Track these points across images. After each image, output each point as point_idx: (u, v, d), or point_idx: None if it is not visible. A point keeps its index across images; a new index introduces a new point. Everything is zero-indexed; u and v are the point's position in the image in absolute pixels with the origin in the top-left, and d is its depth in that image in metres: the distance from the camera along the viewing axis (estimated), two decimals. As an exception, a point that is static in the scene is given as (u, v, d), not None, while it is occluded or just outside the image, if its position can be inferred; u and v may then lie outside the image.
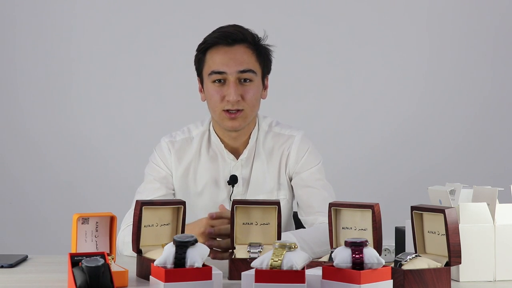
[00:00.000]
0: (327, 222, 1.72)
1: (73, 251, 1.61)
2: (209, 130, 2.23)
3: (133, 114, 3.69)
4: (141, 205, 1.67)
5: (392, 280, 1.45)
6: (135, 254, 1.70)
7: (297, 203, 2.22)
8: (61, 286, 1.58)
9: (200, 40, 2.17)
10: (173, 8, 3.70)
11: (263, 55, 2.16)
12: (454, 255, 1.55)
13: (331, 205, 1.70)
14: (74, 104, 3.69)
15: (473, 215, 1.66)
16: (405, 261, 1.55)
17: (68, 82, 3.69)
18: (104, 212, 1.69)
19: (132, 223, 1.94)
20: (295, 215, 2.32)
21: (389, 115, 3.73)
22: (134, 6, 3.70)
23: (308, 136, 2.27)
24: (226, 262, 1.75)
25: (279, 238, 1.75)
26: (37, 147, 3.68)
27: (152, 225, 1.70)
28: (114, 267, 1.59)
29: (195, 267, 1.43)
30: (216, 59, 2.11)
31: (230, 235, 1.78)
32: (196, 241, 1.47)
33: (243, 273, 1.51)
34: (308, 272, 1.48)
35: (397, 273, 1.51)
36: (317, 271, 1.49)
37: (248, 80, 2.11)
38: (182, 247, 1.44)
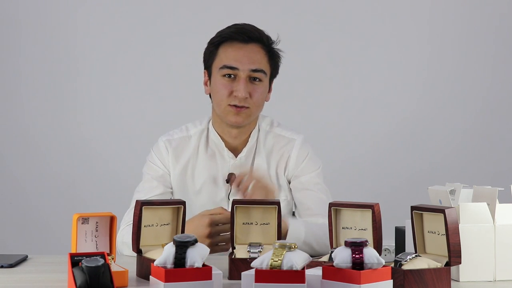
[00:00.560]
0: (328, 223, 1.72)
1: (73, 251, 1.61)
2: (207, 128, 2.23)
3: (133, 114, 3.69)
4: (141, 205, 1.67)
5: (392, 280, 1.45)
6: (135, 254, 1.70)
7: (295, 205, 2.23)
8: (61, 286, 1.57)
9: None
10: (172, 8, 3.70)
11: (274, 58, 2.18)
12: (454, 255, 1.55)
13: (331, 205, 1.70)
14: (74, 104, 3.69)
15: (473, 215, 1.66)
16: (405, 261, 1.55)
17: (68, 83, 3.69)
18: (104, 212, 1.69)
19: (131, 222, 1.95)
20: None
21: (389, 114, 3.73)
22: (134, 6, 3.70)
23: (308, 139, 2.28)
24: (226, 262, 1.75)
25: (279, 238, 1.75)
26: (37, 147, 3.68)
27: (152, 225, 1.70)
28: (114, 267, 1.59)
29: (195, 267, 1.43)
30: (230, 54, 2.11)
31: (230, 233, 1.78)
32: (196, 241, 1.47)
33: (243, 273, 1.51)
34: (308, 272, 1.48)
35: (397, 273, 1.51)
36: (317, 271, 1.49)
37: (258, 80, 2.12)
38: (182, 247, 1.44)
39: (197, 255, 1.45)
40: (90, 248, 1.66)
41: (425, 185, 1.88)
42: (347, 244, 1.42)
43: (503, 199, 1.70)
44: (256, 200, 1.83)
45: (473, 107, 3.75)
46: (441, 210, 1.55)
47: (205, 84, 2.21)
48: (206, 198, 2.19)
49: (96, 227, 1.67)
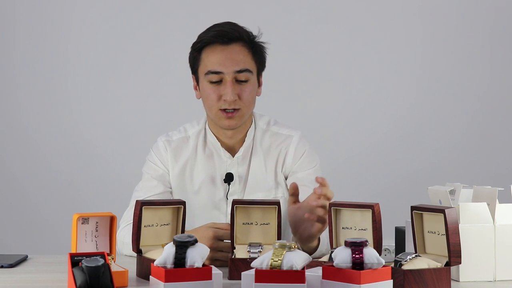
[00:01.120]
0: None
1: (73, 251, 1.61)
2: (205, 129, 2.24)
3: (132, 114, 3.69)
4: (141, 205, 1.67)
5: (392, 280, 1.45)
6: (135, 254, 1.70)
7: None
8: (61, 286, 1.57)
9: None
10: (171, 7, 3.69)
11: (258, 53, 2.16)
12: (454, 255, 1.55)
13: (331, 205, 1.71)
14: (74, 104, 3.69)
15: (473, 215, 1.66)
16: (405, 261, 1.55)
17: (67, 82, 3.69)
18: (104, 212, 1.69)
19: (131, 221, 1.95)
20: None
21: (389, 114, 3.72)
22: (133, 6, 3.70)
23: (306, 136, 2.28)
24: (226, 262, 1.75)
25: (279, 238, 1.75)
26: (37, 147, 3.68)
27: (152, 225, 1.70)
28: (114, 267, 1.59)
29: (195, 267, 1.44)
30: (213, 59, 2.10)
31: (231, 232, 1.78)
32: (196, 241, 1.47)
33: (243, 273, 1.51)
34: (308, 272, 1.48)
35: (397, 273, 1.51)
36: (317, 271, 1.49)
37: (244, 81, 2.11)
38: (182, 247, 1.45)
39: (197, 255, 1.45)
40: (90, 248, 1.66)
41: (425, 185, 1.88)
42: (347, 244, 1.42)
43: (503, 199, 1.70)
44: (256, 200, 1.83)
45: (473, 107, 3.74)
46: (441, 210, 1.55)
47: (195, 89, 2.21)
48: (205, 198, 2.19)
49: (96, 227, 1.67)
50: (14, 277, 1.70)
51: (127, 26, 3.69)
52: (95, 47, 3.69)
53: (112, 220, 1.68)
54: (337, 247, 1.54)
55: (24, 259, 1.92)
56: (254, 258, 1.51)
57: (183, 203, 1.73)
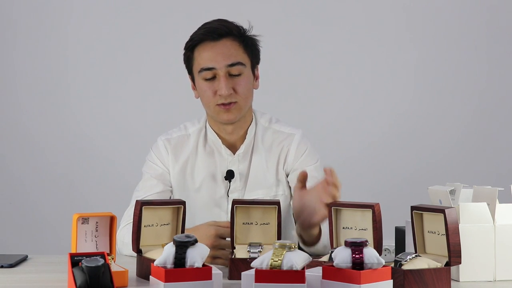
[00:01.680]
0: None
1: (73, 251, 1.61)
2: (205, 126, 2.24)
3: (133, 114, 3.69)
4: (141, 205, 1.67)
5: (392, 280, 1.45)
6: (134, 254, 1.70)
7: (292, 195, 2.21)
8: (61, 286, 1.57)
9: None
10: (171, 7, 3.70)
11: (250, 46, 2.17)
12: (454, 255, 1.55)
13: (331, 205, 1.71)
14: (74, 104, 3.69)
15: (473, 215, 1.66)
16: (405, 261, 1.55)
17: (67, 82, 3.69)
18: (104, 212, 1.69)
19: (131, 221, 1.94)
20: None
21: (389, 114, 3.72)
22: (133, 5, 3.70)
23: (307, 135, 2.28)
24: (227, 260, 1.75)
25: (279, 238, 1.75)
26: (37, 147, 3.68)
27: (152, 225, 1.70)
28: (114, 267, 1.59)
29: (195, 267, 1.43)
30: (204, 56, 2.12)
31: (231, 232, 1.78)
32: (196, 241, 1.47)
33: (243, 273, 1.51)
34: (308, 272, 1.48)
35: (397, 273, 1.51)
36: (317, 271, 1.49)
37: (237, 74, 2.11)
38: (182, 247, 1.44)
39: (197, 255, 1.45)
40: (90, 248, 1.66)
41: (425, 185, 1.88)
42: (347, 244, 1.42)
43: (503, 199, 1.70)
44: (256, 200, 1.83)
45: (473, 107, 3.75)
46: (441, 210, 1.55)
47: (193, 88, 2.22)
48: (206, 196, 2.19)
49: (96, 227, 1.67)
50: (14, 277, 1.70)
51: (127, 25, 3.69)
52: (95, 47, 3.69)
53: (112, 220, 1.68)
54: (337, 247, 1.54)
55: (24, 259, 1.92)
56: (254, 258, 1.51)
57: (183, 203, 1.73)
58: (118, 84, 3.70)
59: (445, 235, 1.55)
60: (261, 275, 1.40)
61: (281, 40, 3.58)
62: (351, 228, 1.68)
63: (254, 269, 1.42)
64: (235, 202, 1.77)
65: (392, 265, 1.54)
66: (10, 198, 3.67)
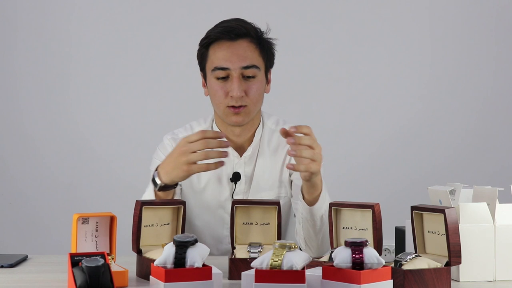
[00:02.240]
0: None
1: (73, 251, 1.61)
2: (212, 127, 2.23)
3: (133, 114, 3.69)
4: (141, 205, 1.67)
5: (392, 280, 1.45)
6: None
7: (292, 189, 2.20)
8: (61, 286, 1.57)
9: (200, 38, 2.16)
10: (172, 6, 3.70)
11: (266, 49, 2.14)
12: (454, 255, 1.55)
13: (331, 205, 1.71)
14: (74, 104, 3.69)
15: (473, 215, 1.66)
16: (405, 261, 1.55)
17: (67, 82, 3.69)
18: (104, 212, 1.69)
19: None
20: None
21: (389, 115, 3.73)
22: (133, 4, 3.70)
23: None
24: (226, 262, 1.75)
25: (279, 238, 1.75)
26: (37, 147, 3.68)
27: (152, 225, 1.70)
28: (114, 267, 1.59)
29: (195, 267, 1.44)
30: (219, 55, 2.09)
31: (230, 232, 1.78)
32: (196, 241, 1.47)
33: (243, 273, 1.51)
34: (308, 272, 1.48)
35: (397, 273, 1.51)
36: (317, 271, 1.49)
37: (251, 76, 2.10)
38: (182, 247, 1.44)
39: (197, 255, 1.45)
40: (90, 248, 1.66)
41: (425, 185, 1.88)
42: (347, 244, 1.42)
43: (503, 199, 1.70)
44: (256, 200, 1.83)
45: (473, 107, 3.75)
46: (441, 210, 1.55)
47: (203, 86, 2.19)
48: (211, 197, 2.18)
49: (96, 227, 1.67)
50: (14, 277, 1.70)
51: (128, 25, 3.69)
52: (95, 47, 3.69)
53: (112, 220, 1.68)
54: (337, 247, 1.54)
55: (24, 259, 1.92)
56: (254, 258, 1.51)
57: (183, 203, 1.73)
58: (118, 85, 3.70)
59: (445, 235, 1.55)
60: (261, 275, 1.40)
61: (284, 41, 3.57)
62: (351, 228, 1.68)
63: (254, 269, 1.42)
64: (235, 202, 1.77)
65: (392, 265, 1.54)
66: (10, 198, 3.67)
